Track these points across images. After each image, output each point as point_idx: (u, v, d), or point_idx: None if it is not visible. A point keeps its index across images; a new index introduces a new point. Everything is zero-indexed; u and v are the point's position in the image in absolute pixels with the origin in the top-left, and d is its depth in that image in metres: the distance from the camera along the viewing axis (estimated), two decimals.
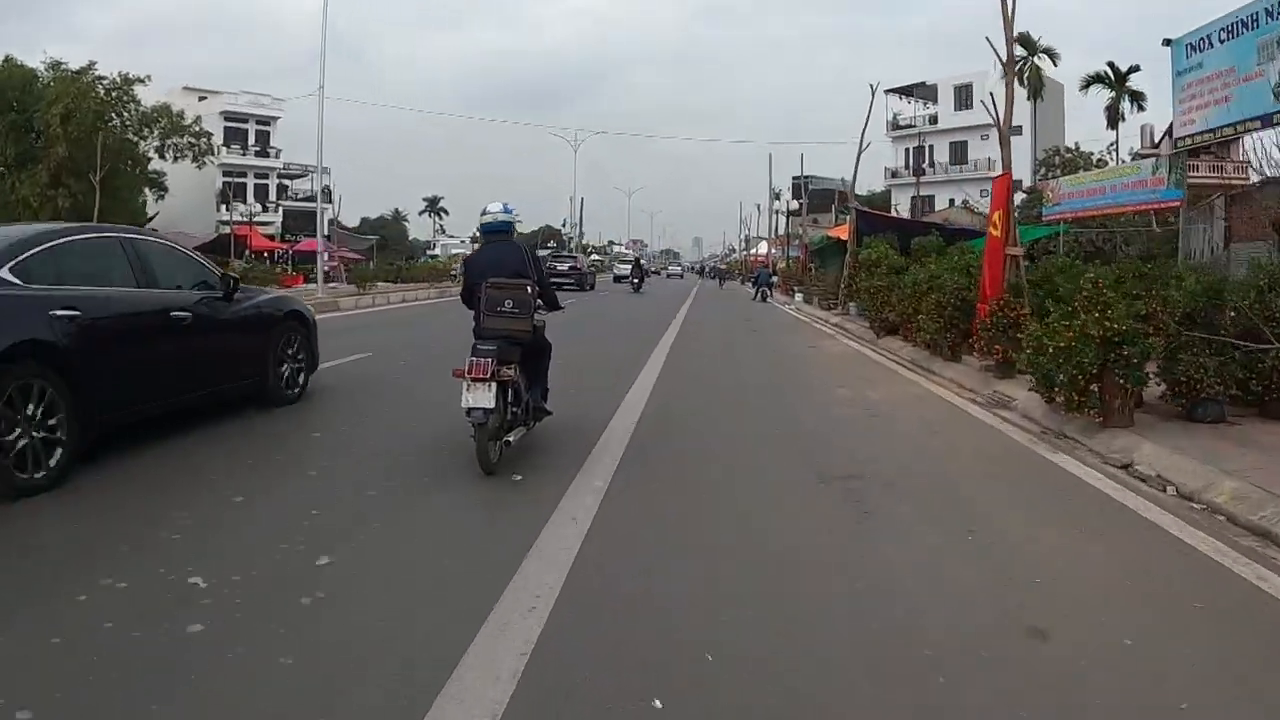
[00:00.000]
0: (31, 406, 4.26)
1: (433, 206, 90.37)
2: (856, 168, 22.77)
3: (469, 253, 9.44)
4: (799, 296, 26.17)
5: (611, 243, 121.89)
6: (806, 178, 50.26)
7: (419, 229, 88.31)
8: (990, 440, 6.34)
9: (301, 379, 7.10)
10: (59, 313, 4.52)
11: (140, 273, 5.42)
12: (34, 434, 4.24)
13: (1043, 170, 27.41)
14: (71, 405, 4.46)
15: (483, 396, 4.53)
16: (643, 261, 45.96)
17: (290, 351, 6.96)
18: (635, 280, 35.87)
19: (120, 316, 5.10)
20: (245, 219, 38.61)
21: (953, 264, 10.62)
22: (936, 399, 8.21)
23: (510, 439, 4.94)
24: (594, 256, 74.04)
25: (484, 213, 5.33)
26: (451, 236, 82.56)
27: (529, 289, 4.97)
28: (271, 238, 48.49)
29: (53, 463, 4.34)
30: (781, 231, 52.73)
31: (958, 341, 9.45)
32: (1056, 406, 6.19)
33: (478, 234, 5.80)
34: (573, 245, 67.41)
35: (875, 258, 14.93)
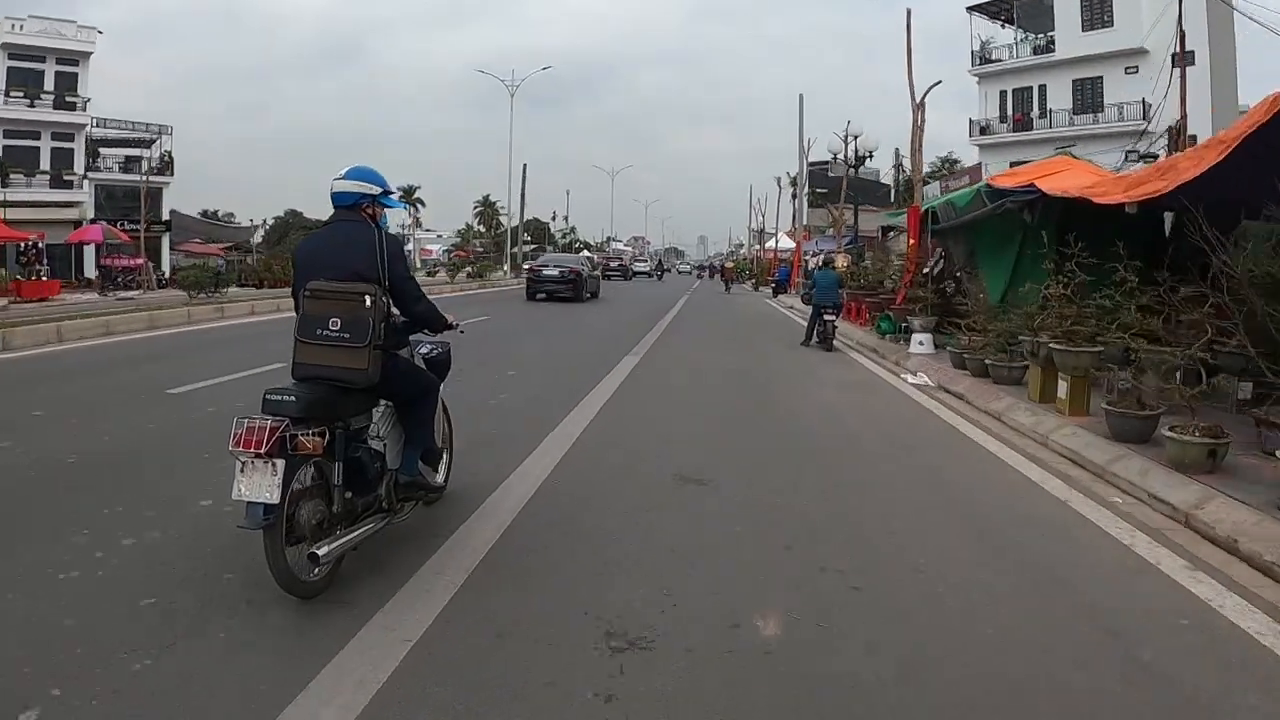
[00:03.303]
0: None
1: (408, 197, 79.58)
2: None
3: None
4: (921, 341, 10.39)
5: (610, 239, 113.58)
6: (825, 164, 35.75)
7: (394, 221, 77.63)
8: None
9: None
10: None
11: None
12: None
13: None
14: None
15: (260, 484, 2.79)
16: (663, 262, 71.48)
17: None
18: (658, 274, 57.48)
19: None
20: None
21: None
22: None
23: (323, 550, 2.96)
24: (585, 254, 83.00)
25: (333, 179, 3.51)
26: (429, 230, 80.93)
27: (367, 300, 3.13)
28: (78, 224, 33.25)
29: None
30: (803, 220, 36.85)
31: None
32: None
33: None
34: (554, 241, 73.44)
35: None
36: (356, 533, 3.19)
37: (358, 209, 3.41)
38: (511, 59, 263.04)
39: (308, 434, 2.95)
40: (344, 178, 3.41)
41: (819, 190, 59.95)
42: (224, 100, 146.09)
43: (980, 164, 20.94)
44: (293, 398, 3.00)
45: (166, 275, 31.81)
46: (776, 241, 44.46)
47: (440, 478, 4.05)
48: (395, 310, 3.40)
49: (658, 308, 21.23)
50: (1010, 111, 34.53)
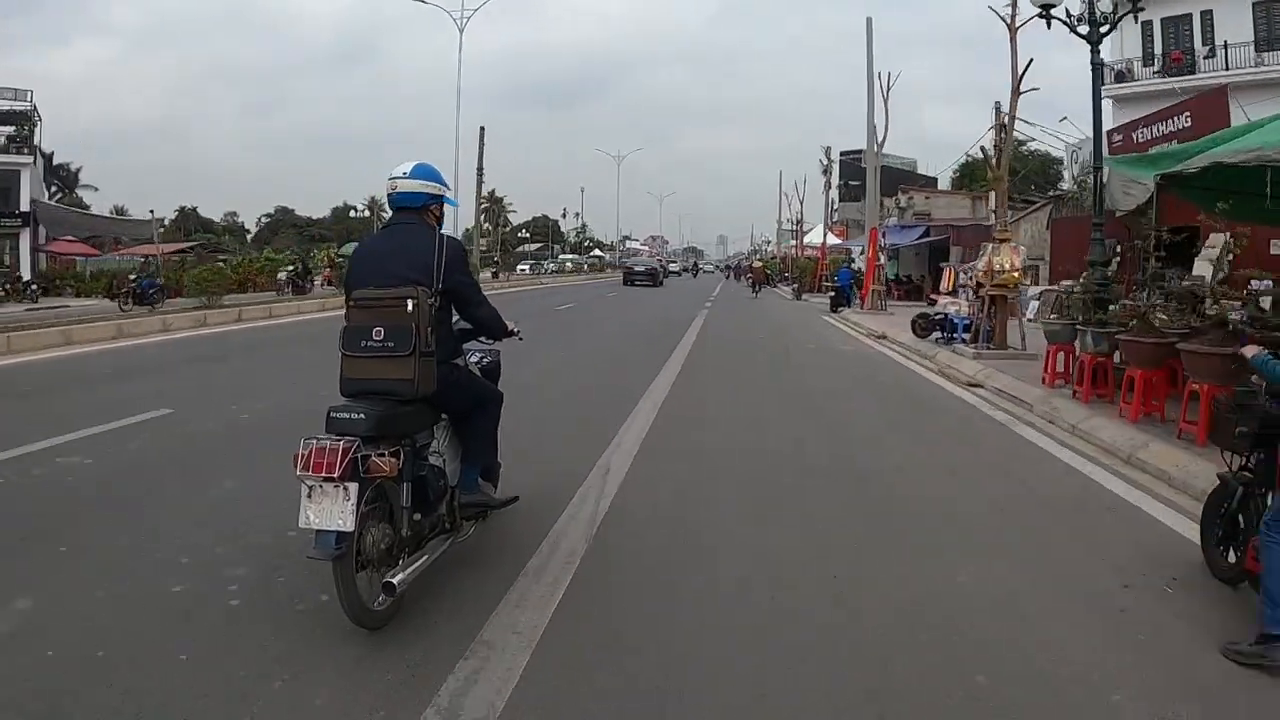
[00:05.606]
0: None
1: None
2: None
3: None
4: None
5: (626, 238, 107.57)
6: (858, 154, 27.97)
7: None
8: None
9: None
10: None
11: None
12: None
13: None
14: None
15: (331, 510, 2.53)
16: (697, 263, 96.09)
17: None
18: (693, 273, 76.04)
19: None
20: None
21: None
22: None
23: (398, 578, 2.73)
24: (596, 252, 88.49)
25: (390, 178, 3.24)
26: None
27: (409, 305, 2.83)
28: None
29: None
30: (835, 216, 27.27)
31: None
32: None
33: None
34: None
35: None
36: (426, 557, 2.97)
37: (425, 211, 3.15)
38: (523, 55, 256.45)
39: (381, 454, 2.72)
40: (410, 176, 3.11)
41: (851, 183, 50.00)
42: (227, 98, 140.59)
43: (1225, 86, 12.08)
44: (361, 415, 2.71)
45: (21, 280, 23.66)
46: (825, 236, 35.05)
47: (497, 491, 3.69)
48: (456, 316, 3.23)
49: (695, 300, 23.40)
50: (1161, 49, 24.90)
